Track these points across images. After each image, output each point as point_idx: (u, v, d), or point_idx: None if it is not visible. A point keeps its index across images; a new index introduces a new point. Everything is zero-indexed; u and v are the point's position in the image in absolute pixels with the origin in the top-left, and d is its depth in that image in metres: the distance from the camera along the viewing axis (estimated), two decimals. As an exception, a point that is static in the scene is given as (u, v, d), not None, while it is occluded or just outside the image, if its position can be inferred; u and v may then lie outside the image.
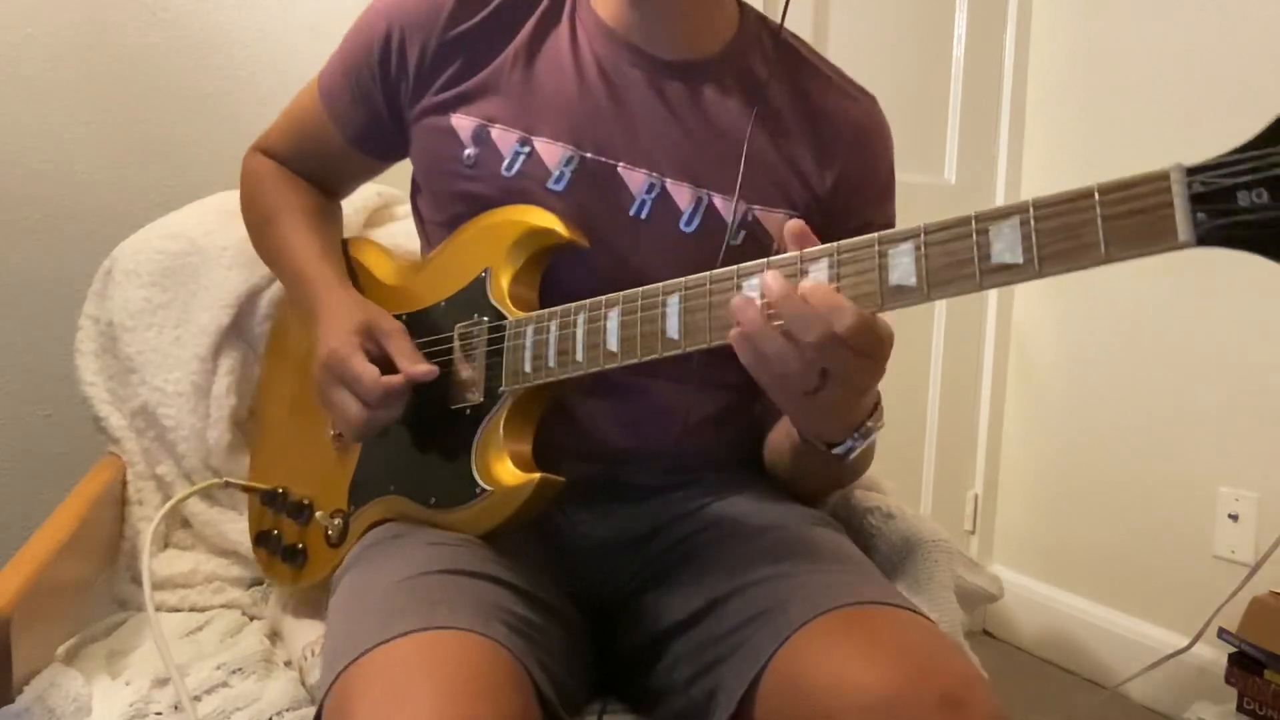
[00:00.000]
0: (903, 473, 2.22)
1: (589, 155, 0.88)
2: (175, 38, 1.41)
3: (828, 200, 0.94)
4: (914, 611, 0.76)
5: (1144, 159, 2.03)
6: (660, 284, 0.76)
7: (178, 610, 1.06)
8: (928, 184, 2.17)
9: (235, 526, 1.12)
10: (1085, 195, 0.59)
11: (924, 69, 2.16)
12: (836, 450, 0.80)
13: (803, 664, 0.71)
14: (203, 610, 1.07)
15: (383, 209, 1.28)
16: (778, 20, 0.97)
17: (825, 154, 0.94)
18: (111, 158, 1.38)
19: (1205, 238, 0.55)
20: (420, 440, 0.90)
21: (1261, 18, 1.78)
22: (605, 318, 0.78)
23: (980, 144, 2.22)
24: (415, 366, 0.86)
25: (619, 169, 0.89)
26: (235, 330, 1.16)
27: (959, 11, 2.17)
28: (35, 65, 1.33)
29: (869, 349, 0.68)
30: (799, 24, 1.92)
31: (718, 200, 0.90)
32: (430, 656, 0.66)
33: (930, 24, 2.16)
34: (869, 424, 0.79)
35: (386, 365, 0.87)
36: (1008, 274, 0.62)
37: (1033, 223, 0.61)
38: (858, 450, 0.80)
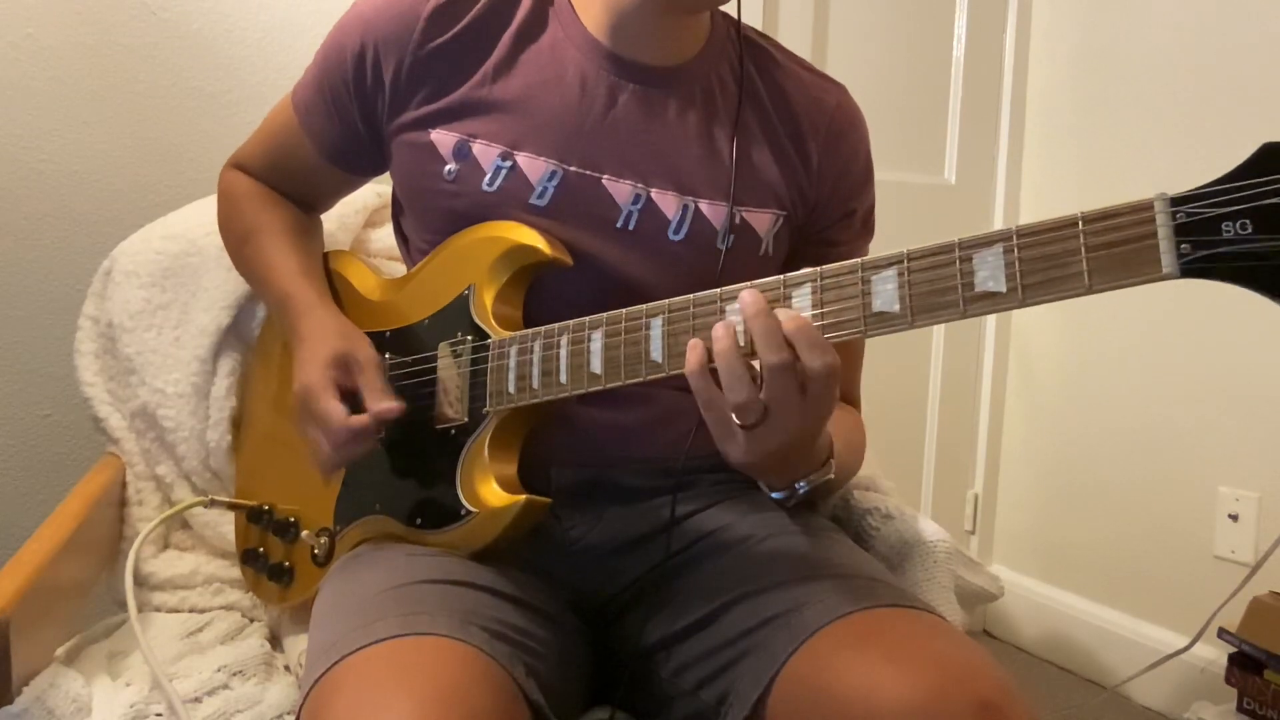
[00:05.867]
0: (903, 473, 2.22)
1: (573, 169, 0.88)
2: (175, 37, 1.41)
3: (812, 194, 0.95)
4: (934, 614, 0.76)
5: (1144, 160, 2.03)
6: (644, 305, 0.75)
7: (177, 611, 1.06)
8: (928, 184, 2.17)
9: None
10: (1069, 224, 0.59)
11: (924, 69, 2.16)
12: (774, 497, 0.83)
13: (823, 668, 0.70)
14: (203, 611, 1.07)
15: (383, 209, 1.28)
16: (750, 24, 0.97)
17: (805, 149, 0.95)
18: (111, 158, 1.38)
19: (1188, 269, 0.55)
20: (405, 460, 0.90)
21: (1262, 18, 1.78)
22: (589, 339, 0.78)
23: (980, 144, 2.22)
24: (380, 404, 0.85)
25: (603, 181, 0.88)
26: (235, 331, 1.16)
27: (959, 11, 2.17)
28: (35, 65, 1.33)
29: (819, 393, 0.69)
30: (799, 24, 1.93)
31: (704, 206, 0.90)
32: (404, 663, 0.66)
33: (930, 24, 2.16)
34: (814, 476, 0.81)
35: (359, 398, 0.87)
36: (991, 302, 0.62)
37: (1016, 250, 0.61)
38: (793, 502, 0.83)
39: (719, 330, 0.69)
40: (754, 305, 0.68)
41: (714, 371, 0.70)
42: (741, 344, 0.69)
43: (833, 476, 0.82)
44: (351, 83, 0.93)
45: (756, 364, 0.69)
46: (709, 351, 0.70)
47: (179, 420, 1.12)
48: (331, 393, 0.86)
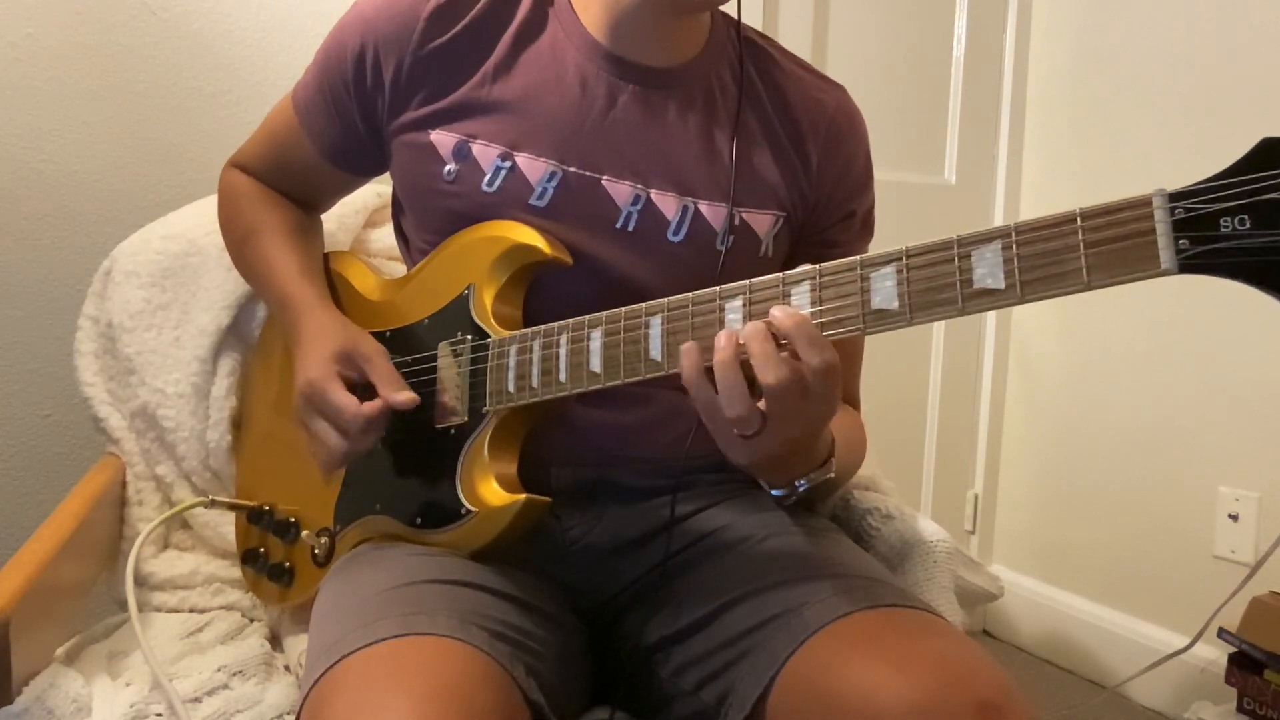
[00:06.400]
0: (903, 473, 2.22)
1: (572, 170, 0.88)
2: (175, 38, 1.41)
3: (812, 195, 0.95)
4: (934, 614, 0.76)
5: (1143, 160, 2.03)
6: (643, 304, 0.75)
7: (177, 611, 1.06)
8: (928, 184, 2.17)
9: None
10: (1068, 220, 0.59)
11: (924, 69, 2.16)
12: (774, 494, 0.83)
13: (823, 668, 0.70)
14: (203, 612, 1.07)
15: (383, 209, 1.28)
16: (750, 25, 0.97)
17: (805, 150, 0.94)
18: (111, 158, 1.38)
19: (1187, 265, 0.55)
20: (405, 460, 0.90)
21: (1261, 16, 1.78)
22: (588, 338, 0.78)
23: (980, 144, 2.22)
24: (396, 394, 0.85)
25: (603, 182, 0.88)
26: (235, 331, 1.16)
27: (959, 11, 2.17)
28: (35, 65, 1.33)
29: (820, 392, 0.69)
30: (799, 24, 1.93)
31: (704, 207, 0.90)
32: (404, 663, 0.66)
33: (930, 24, 2.16)
34: (814, 475, 0.81)
35: (366, 391, 0.87)
36: (990, 299, 0.62)
37: (1015, 247, 0.61)
38: (792, 499, 0.83)
39: (721, 340, 0.69)
40: (752, 328, 0.68)
41: (710, 374, 0.70)
42: (742, 342, 0.69)
43: (833, 475, 0.82)
44: (351, 83, 0.93)
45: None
46: (706, 352, 0.70)
47: (179, 420, 1.12)
48: (339, 385, 0.86)
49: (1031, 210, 2.23)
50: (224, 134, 1.43)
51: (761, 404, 0.69)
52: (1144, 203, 0.56)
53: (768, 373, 0.67)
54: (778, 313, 0.68)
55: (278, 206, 1.04)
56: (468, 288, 0.88)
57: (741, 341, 0.68)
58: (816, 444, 0.79)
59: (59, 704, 0.85)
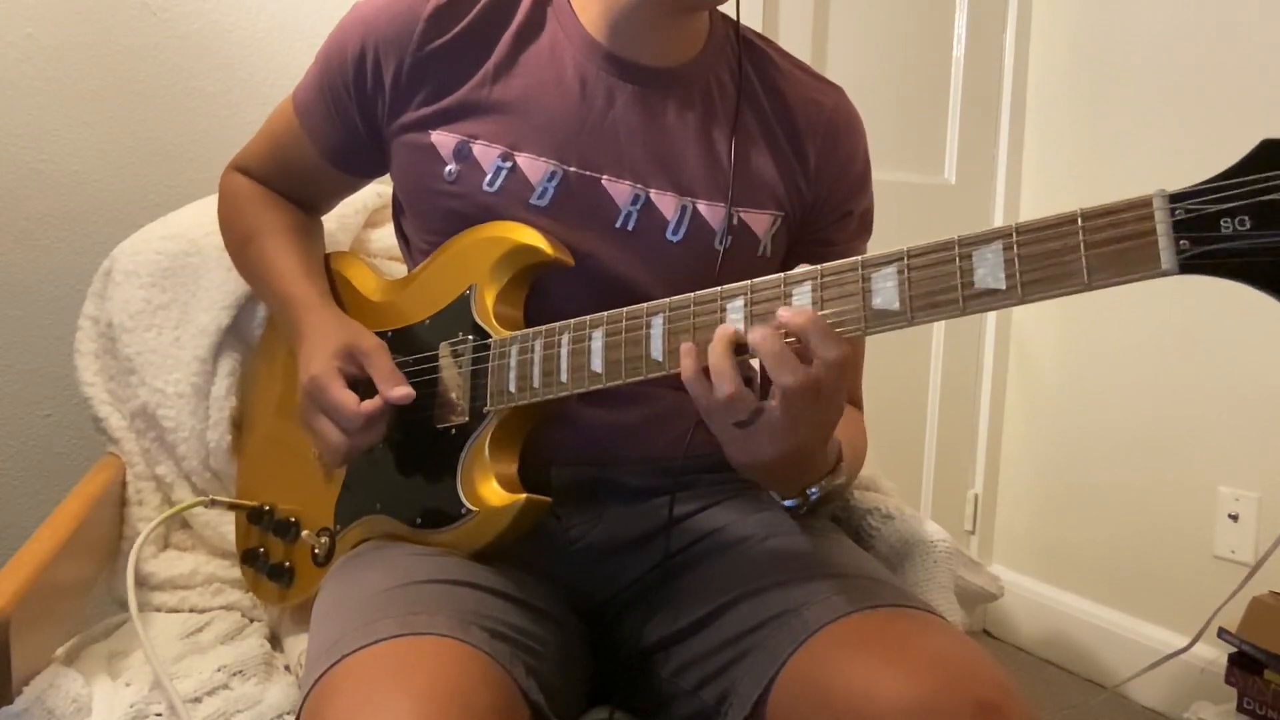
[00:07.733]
0: (903, 473, 2.22)
1: (572, 170, 0.88)
2: (175, 38, 1.41)
3: (810, 195, 0.95)
4: (934, 614, 0.76)
5: (1143, 160, 2.02)
6: (645, 304, 0.76)
7: (177, 611, 1.06)
8: (928, 184, 2.17)
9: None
10: (1068, 220, 0.59)
11: (924, 69, 2.16)
12: (787, 505, 0.82)
13: (824, 668, 0.70)
14: (202, 611, 1.07)
15: (383, 209, 1.28)
16: (750, 26, 0.97)
17: (803, 150, 0.95)
18: (111, 158, 1.38)
19: (1187, 266, 0.55)
20: (406, 460, 0.90)
21: (1262, 19, 1.78)
22: (590, 338, 0.78)
23: (980, 144, 2.22)
24: (393, 390, 0.85)
25: (602, 182, 0.88)
26: (235, 331, 1.16)
27: (959, 11, 2.17)
28: (35, 65, 1.33)
29: (833, 387, 0.68)
30: (799, 24, 1.93)
31: (702, 207, 0.90)
32: (404, 663, 0.66)
33: (930, 24, 2.16)
34: (824, 481, 0.80)
35: (368, 386, 0.87)
36: (990, 299, 0.62)
37: (1015, 248, 0.61)
38: (805, 509, 0.82)
39: (717, 332, 0.70)
40: (763, 331, 0.68)
41: (708, 373, 0.70)
42: (754, 344, 0.69)
43: (843, 481, 0.82)
44: (352, 84, 0.93)
45: (754, 362, 0.70)
46: (704, 354, 0.70)
47: (179, 420, 1.12)
48: (341, 382, 0.86)
49: (1031, 210, 2.23)
50: (224, 134, 1.43)
51: (775, 402, 0.69)
52: (1144, 203, 0.57)
53: (784, 373, 0.67)
54: (785, 313, 0.68)
55: (278, 208, 1.04)
56: (469, 288, 0.88)
57: (752, 344, 0.68)
58: (825, 449, 0.78)
59: (59, 704, 0.85)
